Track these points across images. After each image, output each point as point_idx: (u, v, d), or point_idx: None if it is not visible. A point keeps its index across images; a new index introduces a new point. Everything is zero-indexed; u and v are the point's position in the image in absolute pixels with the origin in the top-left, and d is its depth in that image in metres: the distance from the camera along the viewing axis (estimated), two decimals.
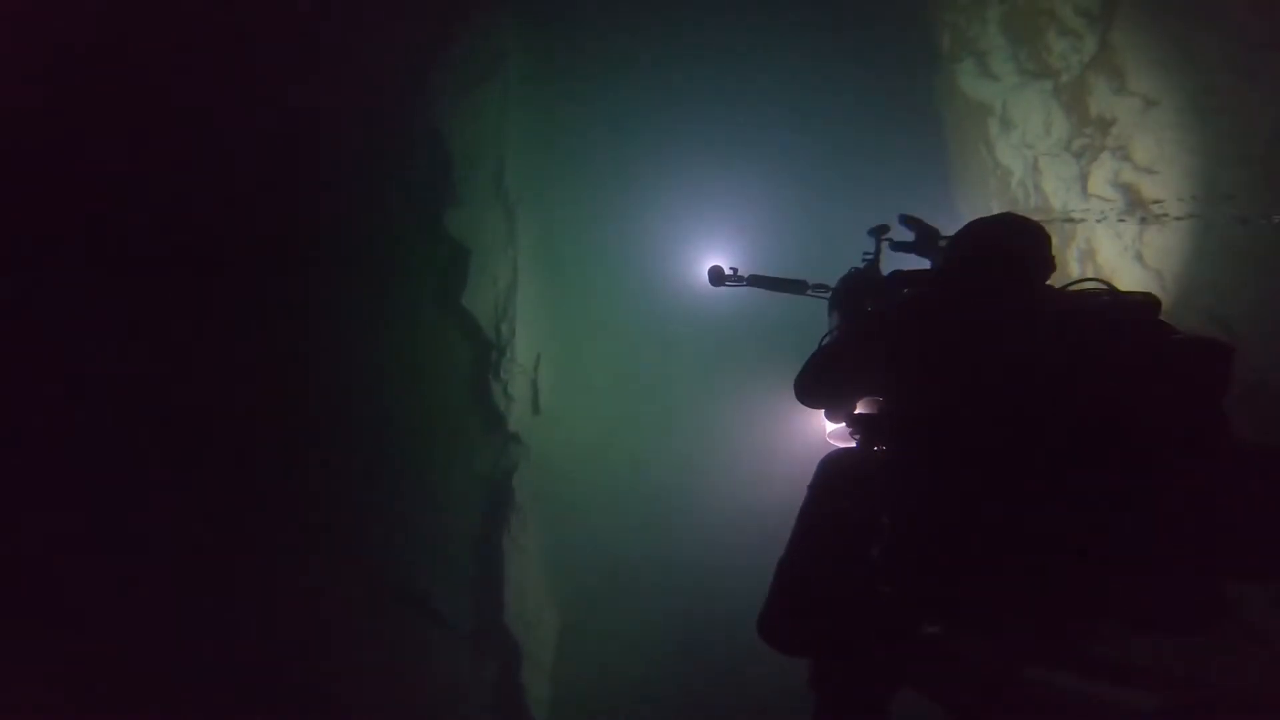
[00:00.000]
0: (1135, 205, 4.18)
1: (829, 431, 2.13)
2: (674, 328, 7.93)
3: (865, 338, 1.92)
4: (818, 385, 1.93)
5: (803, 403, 1.95)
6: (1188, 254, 3.79)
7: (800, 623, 1.69)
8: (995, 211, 5.30)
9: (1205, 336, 1.48)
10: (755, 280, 2.62)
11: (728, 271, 2.68)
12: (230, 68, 6.94)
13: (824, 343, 2.08)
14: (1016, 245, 1.73)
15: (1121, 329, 1.49)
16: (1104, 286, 1.67)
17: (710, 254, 7.29)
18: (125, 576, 6.20)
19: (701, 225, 7.65)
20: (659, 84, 7.86)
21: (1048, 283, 1.76)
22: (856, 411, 1.90)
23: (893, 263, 2.39)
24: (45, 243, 6.34)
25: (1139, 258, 4.00)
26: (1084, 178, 4.57)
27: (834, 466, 1.81)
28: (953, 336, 1.62)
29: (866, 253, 2.34)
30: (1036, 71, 5.14)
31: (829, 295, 2.34)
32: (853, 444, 1.90)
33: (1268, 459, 1.37)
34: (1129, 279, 4.00)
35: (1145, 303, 1.55)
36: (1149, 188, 4.14)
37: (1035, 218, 1.80)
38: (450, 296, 6.95)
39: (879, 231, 2.37)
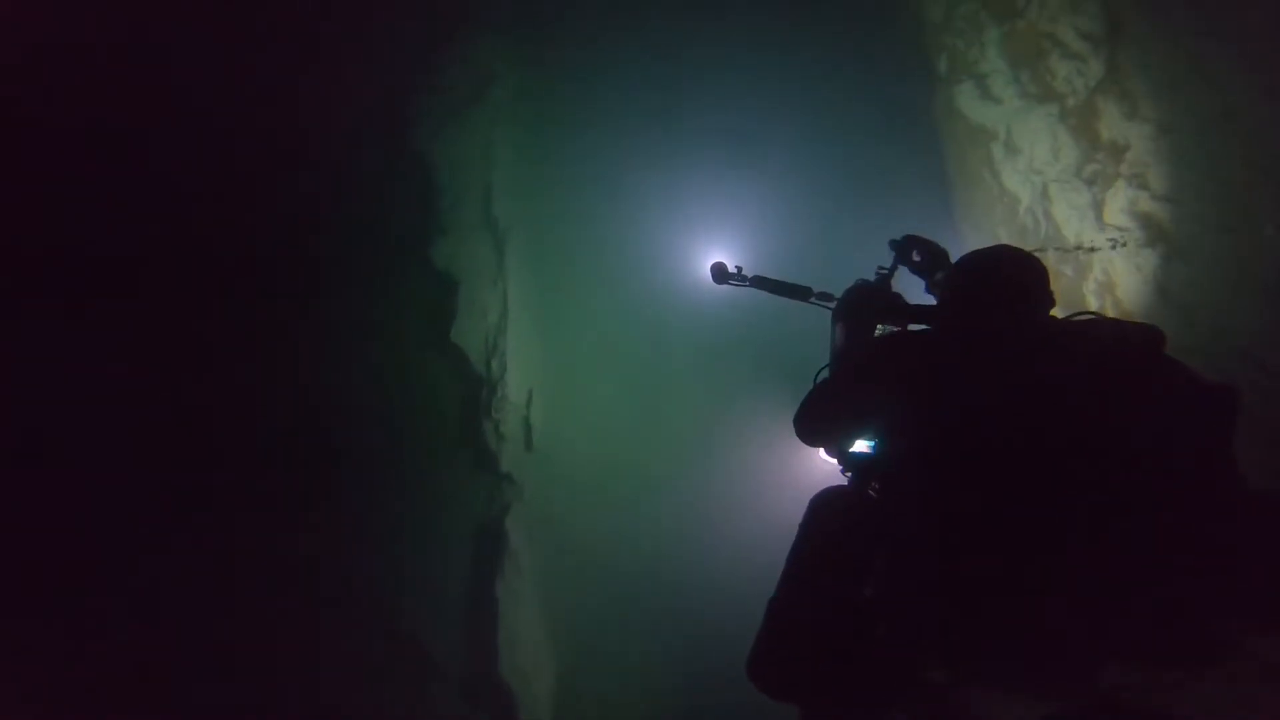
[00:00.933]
0: (1156, 236, 3.98)
1: (824, 455, 2.11)
2: (674, 359, 7.70)
3: (864, 378, 1.87)
4: (818, 425, 1.92)
5: (803, 441, 1.94)
6: (1217, 288, 3.59)
7: (789, 665, 1.65)
8: (1003, 239, 5.12)
9: (1211, 381, 1.42)
10: (758, 281, 2.53)
11: (731, 270, 2.61)
12: (205, 91, 6.75)
13: (820, 379, 2.04)
14: (1016, 280, 1.69)
15: (1124, 367, 1.45)
16: (1101, 318, 1.65)
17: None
18: (110, 609, 5.93)
19: (702, 248, 7.44)
20: (655, 105, 7.69)
21: (1050, 314, 1.72)
22: (851, 449, 1.89)
23: (906, 277, 2.30)
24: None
25: (1163, 291, 3.80)
26: (1098, 206, 4.38)
27: (825, 506, 1.78)
28: (953, 375, 1.58)
29: (881, 267, 2.25)
30: (1040, 95, 4.98)
31: (833, 306, 2.26)
32: (843, 480, 1.89)
33: (1268, 505, 1.34)
34: (1152, 315, 3.80)
35: (1149, 338, 1.49)
36: (1169, 217, 3.95)
37: (1039, 246, 1.81)
38: (438, 331, 6.69)
39: (900, 249, 2.28)
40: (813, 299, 2.45)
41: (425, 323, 6.77)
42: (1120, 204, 4.25)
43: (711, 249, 7.17)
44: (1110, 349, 1.49)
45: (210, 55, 6.74)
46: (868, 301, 2.13)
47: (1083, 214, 4.48)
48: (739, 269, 2.61)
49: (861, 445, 1.93)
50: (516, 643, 6.72)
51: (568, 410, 7.43)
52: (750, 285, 2.57)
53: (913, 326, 2.05)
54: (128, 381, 6.27)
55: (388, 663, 6.60)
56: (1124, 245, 4.12)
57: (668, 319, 7.67)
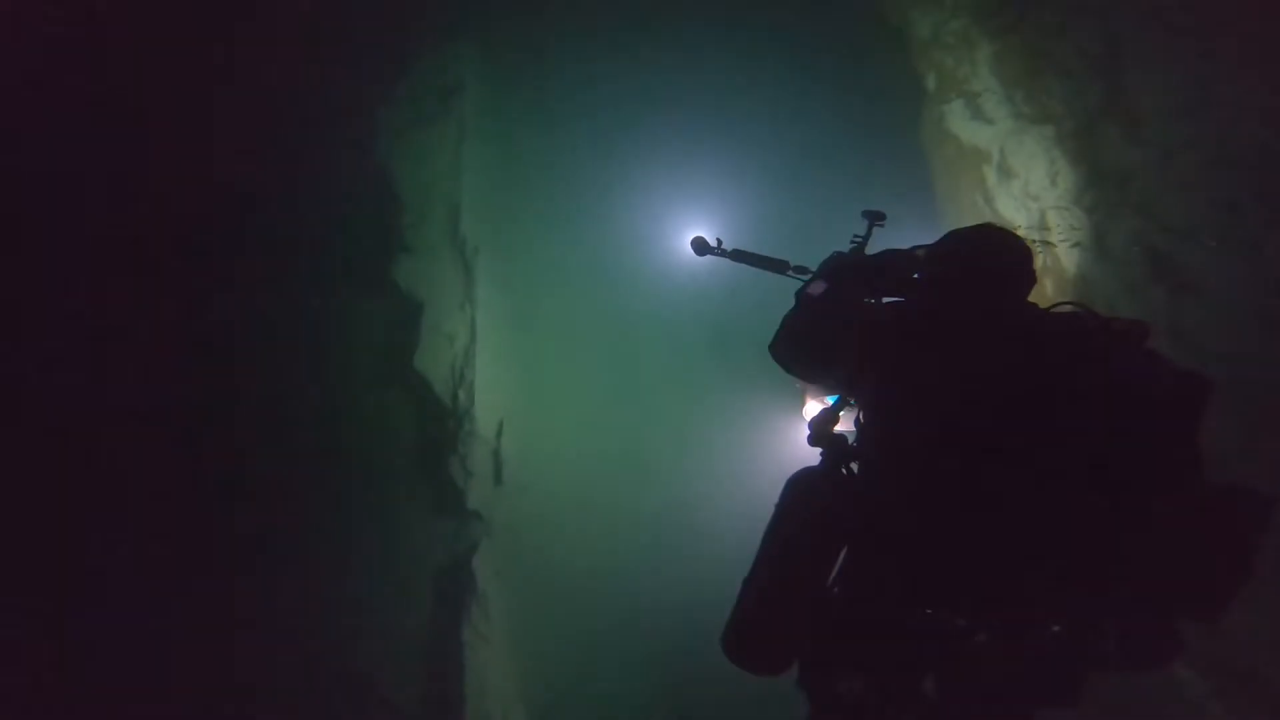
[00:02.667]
0: (1165, 271, 3.74)
1: (808, 417, 2.13)
2: (651, 377, 7.35)
3: (845, 320, 1.88)
4: (797, 350, 1.93)
5: (778, 362, 1.94)
6: (1232, 326, 3.34)
7: (761, 641, 1.69)
8: None
9: (1189, 369, 1.45)
10: (738, 255, 2.60)
11: (712, 243, 2.68)
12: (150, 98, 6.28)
13: (801, 296, 2.02)
14: (999, 264, 1.68)
15: (1112, 354, 1.47)
16: (1085, 310, 1.64)
17: (689, 294, 6.87)
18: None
19: (676, 262, 7.11)
20: (628, 118, 7.36)
21: (1029, 300, 1.72)
22: (833, 429, 1.89)
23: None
24: None
25: (1175, 333, 3.54)
26: (1101, 236, 4.13)
27: (801, 485, 1.80)
28: (931, 356, 1.58)
29: (856, 235, 2.28)
30: (1035, 116, 4.74)
31: (809, 279, 2.25)
32: (818, 461, 1.87)
33: (1227, 499, 1.38)
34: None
35: (1135, 330, 1.51)
36: (1180, 250, 3.71)
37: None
38: (399, 358, 6.25)
39: (873, 217, 2.30)
40: (790, 271, 2.48)
41: (385, 348, 6.34)
42: (1126, 234, 4.00)
43: (685, 266, 6.85)
44: (1088, 341, 1.48)
45: (168, 55, 6.29)
46: (850, 264, 2.10)
47: (1086, 247, 4.23)
48: (719, 241, 2.66)
49: (841, 427, 1.93)
50: (485, 689, 6.29)
51: (541, 438, 7.03)
52: (730, 258, 2.60)
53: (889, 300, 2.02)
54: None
55: (345, 712, 6.14)
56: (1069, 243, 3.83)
57: (644, 336, 7.33)
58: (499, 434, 6.70)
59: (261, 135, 6.46)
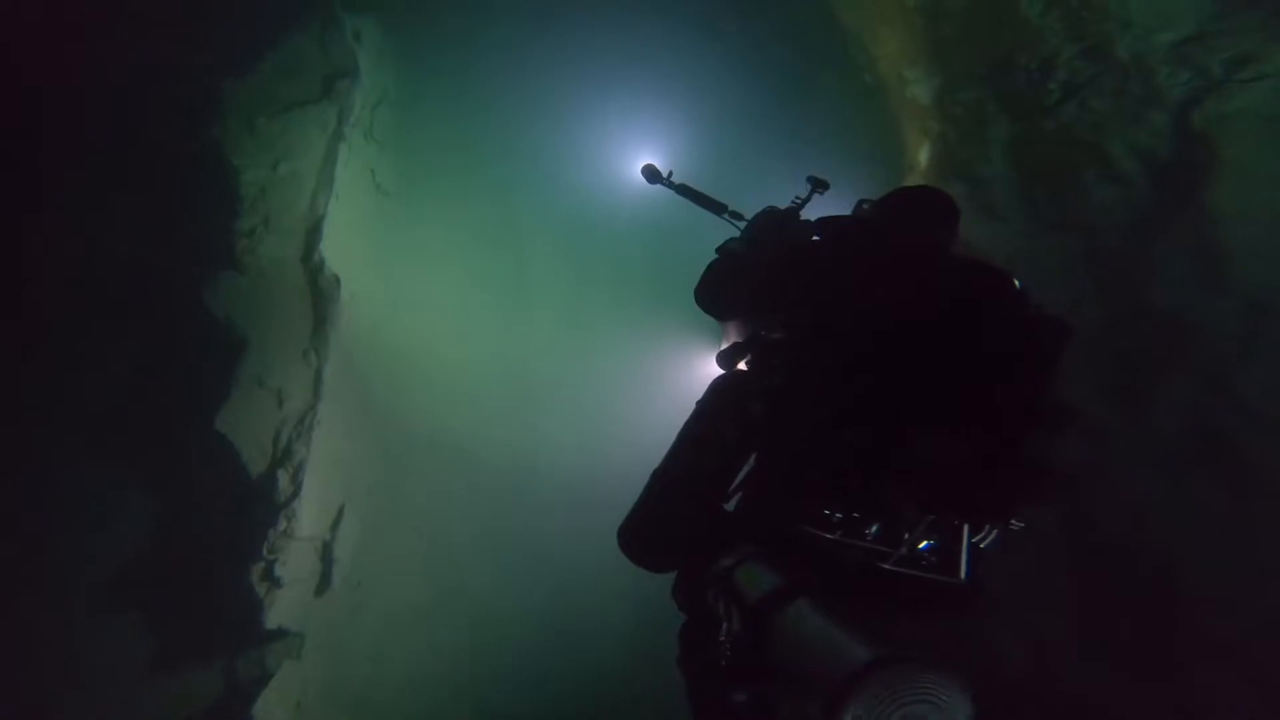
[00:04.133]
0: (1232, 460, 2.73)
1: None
2: (541, 463, 5.95)
3: (779, 251, 2.01)
4: (720, 289, 2.05)
5: (702, 307, 2.07)
6: None
7: (661, 534, 1.75)
8: None
9: (1057, 315, 1.65)
10: (683, 189, 2.73)
11: (664, 173, 2.79)
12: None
13: (725, 248, 2.18)
14: (937, 210, 1.87)
15: (996, 290, 1.67)
16: (986, 259, 1.80)
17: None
18: None
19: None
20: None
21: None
22: (754, 342, 1.93)
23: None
24: None
25: None
26: (1137, 401, 3.11)
27: (722, 388, 1.87)
28: (853, 274, 1.73)
29: (796, 197, 2.35)
30: (1060, 222, 3.76)
31: (741, 225, 2.38)
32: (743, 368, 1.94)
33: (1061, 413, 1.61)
34: None
35: (1006, 274, 1.70)
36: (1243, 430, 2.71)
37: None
38: (196, 419, 4.46)
39: (816, 183, 2.40)
40: (726, 215, 2.58)
41: (182, 400, 4.53)
42: (1185, 403, 2.98)
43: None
44: (988, 282, 1.69)
45: None
46: (778, 221, 2.21)
47: (1115, 413, 3.19)
48: (669, 174, 2.77)
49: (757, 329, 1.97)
50: None
51: (393, 524, 5.39)
52: (676, 190, 2.73)
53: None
54: None
55: None
56: None
57: (540, 383, 5.98)
58: (336, 522, 5.02)
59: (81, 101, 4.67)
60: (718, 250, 2.17)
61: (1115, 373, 3.19)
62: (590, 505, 6.07)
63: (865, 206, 2.03)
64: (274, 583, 4.53)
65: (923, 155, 4.76)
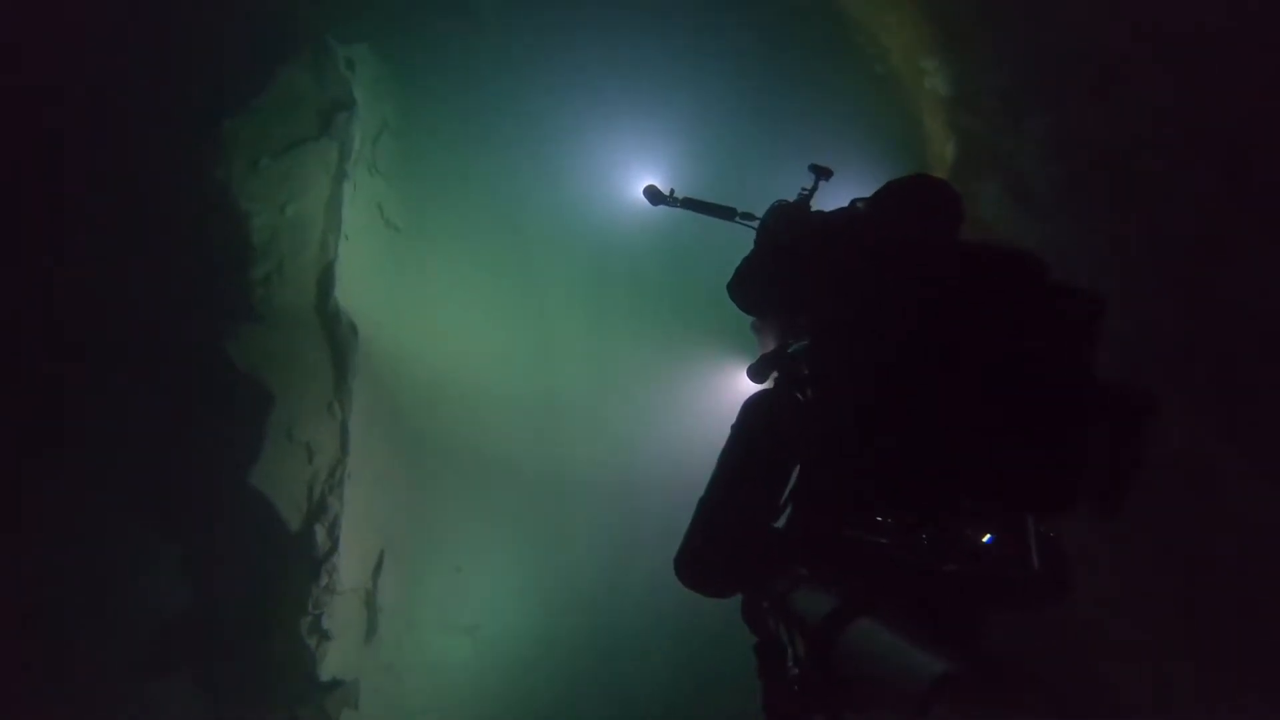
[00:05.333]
0: None
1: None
2: (575, 488, 5.87)
3: (798, 249, 2.01)
4: (753, 284, 2.06)
5: (737, 303, 2.08)
6: None
7: (717, 560, 1.75)
8: None
9: (1086, 289, 1.59)
10: (689, 203, 2.77)
11: (665, 192, 2.86)
12: None
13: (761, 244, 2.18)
14: (935, 199, 1.84)
15: (1015, 274, 1.63)
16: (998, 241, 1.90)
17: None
18: None
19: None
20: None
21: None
22: (783, 355, 1.95)
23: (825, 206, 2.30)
24: None
25: None
26: (1243, 403, 2.99)
27: (755, 407, 1.86)
28: (875, 271, 1.72)
29: (803, 188, 2.35)
30: (1114, 216, 3.63)
31: (755, 225, 2.34)
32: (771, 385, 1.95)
33: (1119, 400, 1.55)
34: None
35: (1036, 255, 1.66)
36: None
37: None
38: (228, 475, 4.37)
39: (820, 172, 2.39)
40: (737, 218, 2.61)
41: (210, 458, 4.44)
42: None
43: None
44: (1004, 263, 1.65)
45: None
46: (791, 215, 2.22)
47: None
48: (671, 191, 2.83)
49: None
50: None
51: (437, 565, 5.31)
52: (681, 206, 2.77)
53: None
54: None
55: None
56: None
57: (567, 421, 5.90)
58: (377, 569, 4.93)
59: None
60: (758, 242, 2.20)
61: (1204, 372, 3.07)
62: (628, 530, 6.02)
63: (860, 205, 2.01)
64: (323, 635, 4.45)
65: (949, 149, 4.62)
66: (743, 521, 1.72)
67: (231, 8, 5.40)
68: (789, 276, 1.96)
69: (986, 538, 1.55)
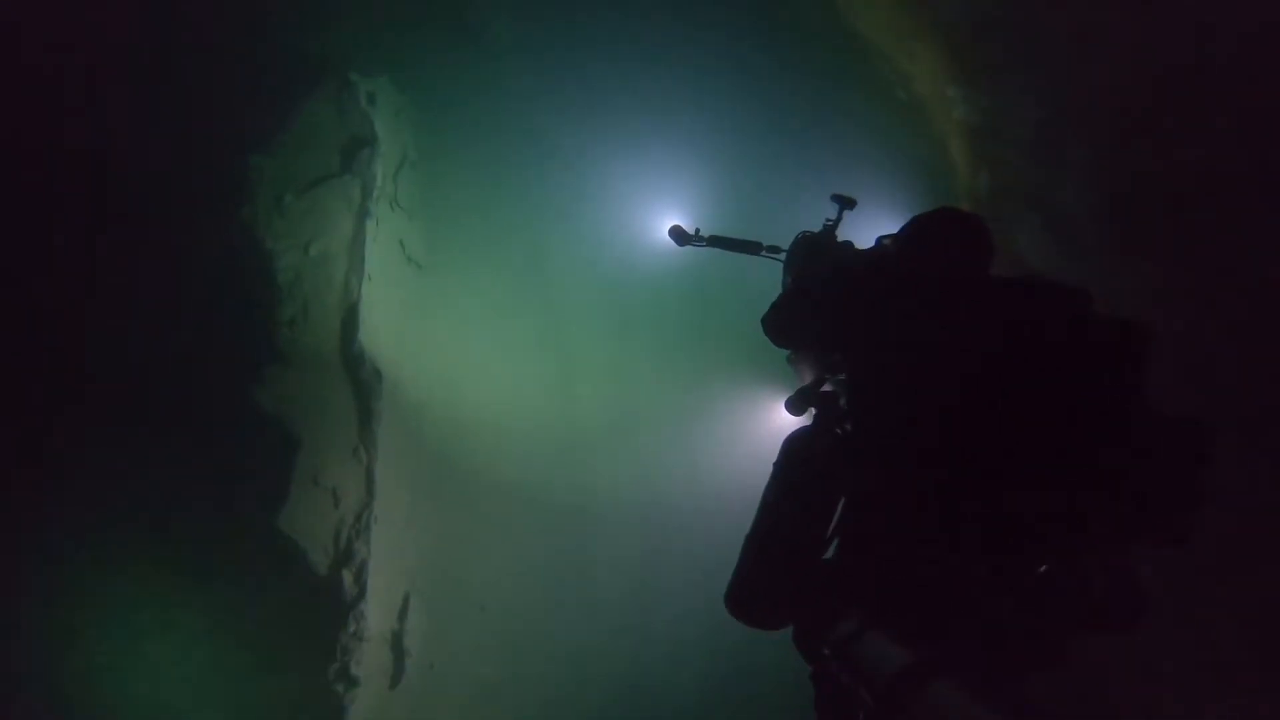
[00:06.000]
0: None
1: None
2: (599, 522, 5.79)
3: (830, 286, 2.03)
4: (789, 322, 2.07)
5: (772, 340, 2.10)
6: None
7: (767, 594, 1.77)
8: None
9: (1129, 319, 1.59)
10: (714, 240, 2.77)
11: (690, 231, 2.86)
12: None
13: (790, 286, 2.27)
14: (965, 233, 1.83)
15: (1057, 308, 1.63)
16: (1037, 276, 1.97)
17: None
18: None
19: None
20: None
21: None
22: (821, 389, 1.99)
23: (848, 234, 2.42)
24: None
25: None
26: None
27: (796, 444, 1.87)
28: (910, 318, 1.72)
29: (828, 219, 2.40)
30: (1163, 256, 3.51)
31: (782, 257, 2.43)
32: (811, 421, 1.96)
33: (1175, 432, 1.53)
34: None
35: (1080, 289, 1.67)
36: None
37: None
38: (255, 519, 4.35)
39: (844, 202, 2.43)
40: (763, 252, 2.64)
41: (236, 503, 4.42)
42: None
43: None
44: (1044, 301, 1.66)
45: None
46: (819, 247, 2.30)
47: None
48: (697, 230, 2.86)
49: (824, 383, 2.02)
50: None
51: (462, 610, 5.25)
52: (707, 245, 2.82)
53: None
54: None
55: None
56: None
57: (592, 467, 5.83)
58: (403, 612, 4.88)
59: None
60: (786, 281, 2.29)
61: (1258, 410, 2.95)
62: (653, 564, 5.94)
63: (887, 242, 2.01)
64: (350, 681, 4.40)
65: (981, 181, 4.51)
66: (791, 555, 1.74)
67: (254, 42, 5.44)
68: (825, 316, 1.97)
69: (1042, 568, 1.53)
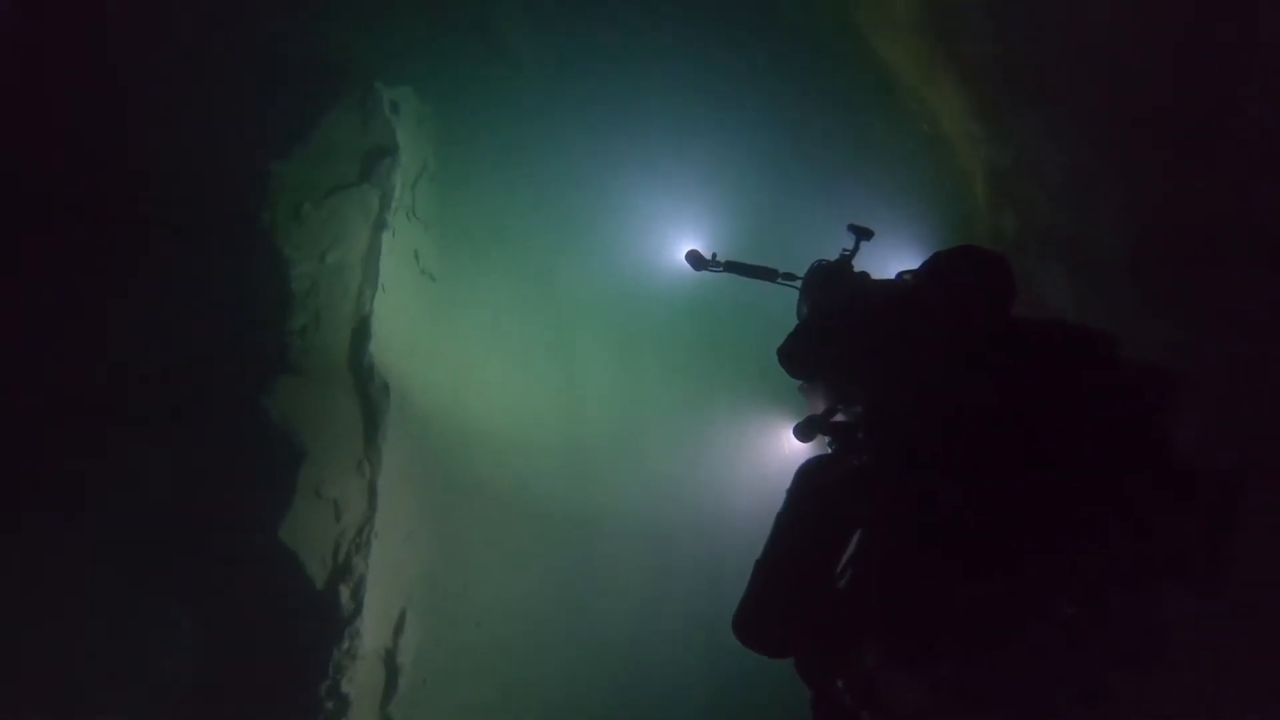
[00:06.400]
0: None
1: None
2: (602, 539, 5.73)
3: (848, 315, 2.07)
4: (806, 355, 2.06)
5: (788, 371, 2.09)
6: None
7: (775, 620, 1.76)
8: None
9: (1154, 366, 1.58)
10: (731, 266, 2.77)
11: (707, 256, 2.84)
12: None
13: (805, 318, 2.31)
14: (987, 272, 1.81)
15: (1082, 351, 1.62)
16: (1060, 320, 1.85)
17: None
18: None
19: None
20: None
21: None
22: (833, 419, 1.97)
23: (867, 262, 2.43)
24: None
25: None
26: None
27: (812, 473, 1.86)
28: (932, 349, 1.72)
29: (844, 249, 2.41)
30: (1203, 312, 3.44)
31: (798, 285, 2.45)
32: (828, 450, 1.96)
33: (1204, 481, 1.51)
34: None
35: (1105, 336, 1.65)
36: None
37: None
38: (256, 528, 4.31)
39: (861, 233, 2.44)
40: (779, 279, 2.66)
41: (234, 508, 4.39)
42: None
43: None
44: (1068, 345, 1.65)
45: None
46: (836, 276, 2.31)
47: None
48: (714, 255, 2.84)
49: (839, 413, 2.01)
50: None
51: (460, 628, 5.17)
52: (723, 270, 2.82)
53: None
54: None
55: None
56: None
57: (606, 482, 5.77)
58: (398, 628, 4.81)
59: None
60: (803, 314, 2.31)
61: None
62: (658, 582, 5.86)
63: (907, 278, 2.00)
64: (341, 699, 4.32)
65: (1007, 221, 4.46)
66: (803, 583, 1.73)
67: (278, 48, 5.47)
68: (842, 345, 1.98)
69: (1069, 611, 1.51)
